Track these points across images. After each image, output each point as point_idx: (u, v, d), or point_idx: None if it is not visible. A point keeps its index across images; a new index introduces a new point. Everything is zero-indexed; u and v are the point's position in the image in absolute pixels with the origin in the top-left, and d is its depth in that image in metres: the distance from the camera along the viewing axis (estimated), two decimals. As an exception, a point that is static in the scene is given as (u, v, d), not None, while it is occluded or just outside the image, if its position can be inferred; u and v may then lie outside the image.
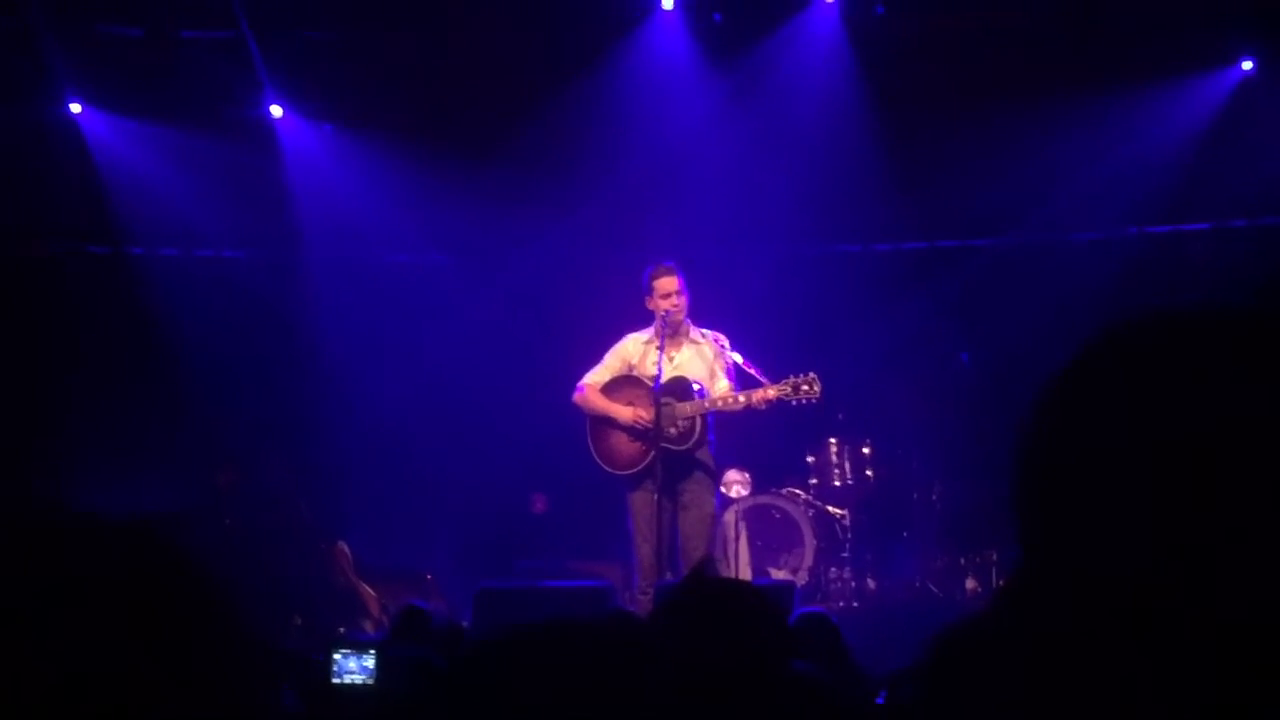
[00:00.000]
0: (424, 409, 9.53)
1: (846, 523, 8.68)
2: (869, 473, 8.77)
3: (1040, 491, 0.97)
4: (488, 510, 9.54)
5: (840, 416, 8.71)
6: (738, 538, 8.19)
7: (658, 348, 6.96)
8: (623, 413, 7.03)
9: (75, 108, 9.36)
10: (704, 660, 2.17)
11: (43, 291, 9.77)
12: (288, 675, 4.53)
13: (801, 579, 8.20)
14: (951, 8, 8.83)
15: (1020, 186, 9.06)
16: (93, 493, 9.13)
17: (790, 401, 6.80)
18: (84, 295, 9.82)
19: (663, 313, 6.97)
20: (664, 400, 6.86)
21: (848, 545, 8.64)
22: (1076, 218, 9.44)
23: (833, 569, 8.57)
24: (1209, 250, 9.40)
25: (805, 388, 6.77)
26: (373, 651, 4.42)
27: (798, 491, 8.71)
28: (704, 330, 7.17)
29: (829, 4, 8.91)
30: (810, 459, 8.82)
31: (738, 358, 7.08)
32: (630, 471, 7.01)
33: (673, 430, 6.86)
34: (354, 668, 4.37)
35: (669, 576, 6.66)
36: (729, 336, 7.18)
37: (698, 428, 6.89)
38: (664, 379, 6.90)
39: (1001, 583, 7.65)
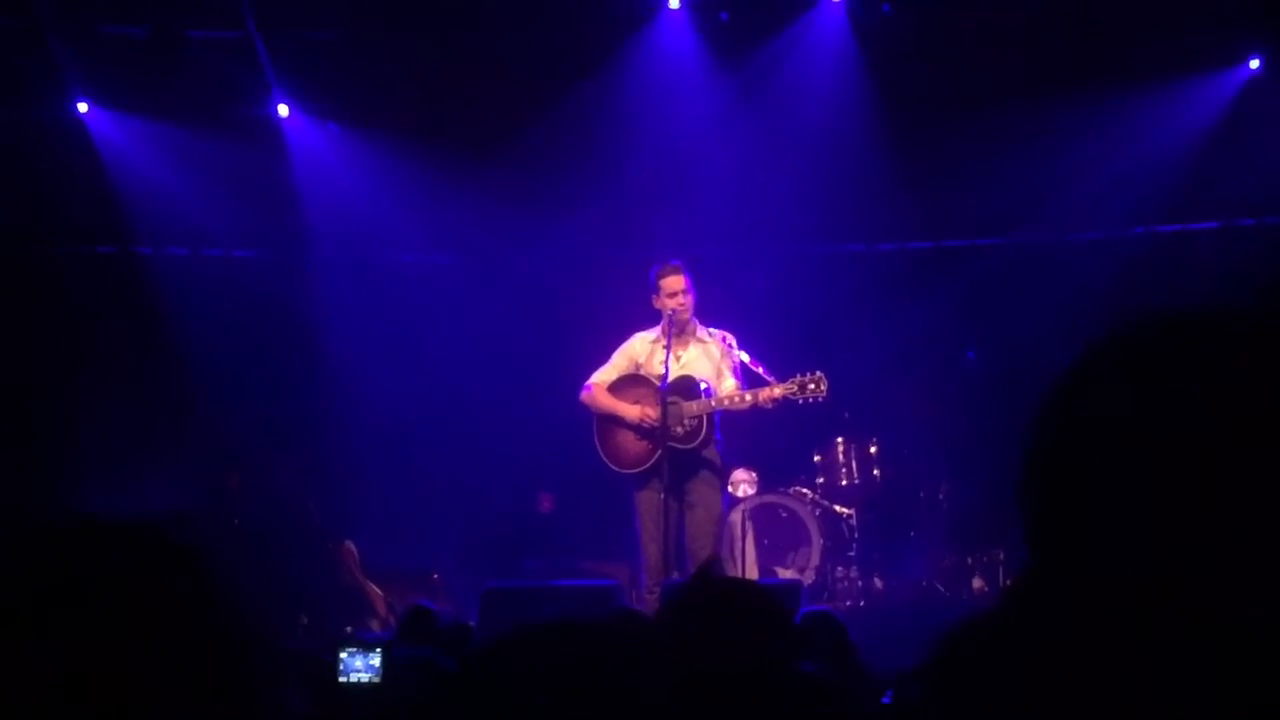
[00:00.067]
0: (431, 408, 9.52)
1: (853, 522, 8.67)
2: (876, 472, 8.76)
3: (1045, 490, 0.97)
4: (494, 510, 9.54)
5: (847, 415, 8.70)
6: (744, 537, 8.17)
7: (665, 347, 6.96)
8: (630, 412, 7.03)
9: (82, 107, 9.37)
10: (710, 659, 2.17)
11: (50, 291, 9.77)
12: (294, 674, 4.53)
13: (808, 578, 8.21)
14: (958, 7, 8.81)
15: (1027, 186, 9.04)
16: (101, 493, 9.15)
17: (797, 400, 6.79)
18: (91, 295, 9.81)
19: (669, 312, 6.96)
20: (671, 399, 6.86)
21: (854, 544, 8.64)
22: (1083, 217, 9.42)
23: (839, 568, 8.56)
24: (1215, 250, 9.37)
25: (812, 387, 6.77)
26: (379, 651, 4.42)
27: (804, 490, 8.71)
28: (711, 329, 7.17)
29: (835, 3, 8.90)
30: (817, 458, 8.82)
31: (744, 356, 7.07)
32: (637, 470, 7.01)
33: (679, 429, 6.86)
34: (360, 667, 4.37)
35: (676, 576, 6.65)
36: (735, 335, 7.18)
37: (704, 427, 6.89)
38: (671, 378, 6.90)
39: (1008, 582, 7.64)
